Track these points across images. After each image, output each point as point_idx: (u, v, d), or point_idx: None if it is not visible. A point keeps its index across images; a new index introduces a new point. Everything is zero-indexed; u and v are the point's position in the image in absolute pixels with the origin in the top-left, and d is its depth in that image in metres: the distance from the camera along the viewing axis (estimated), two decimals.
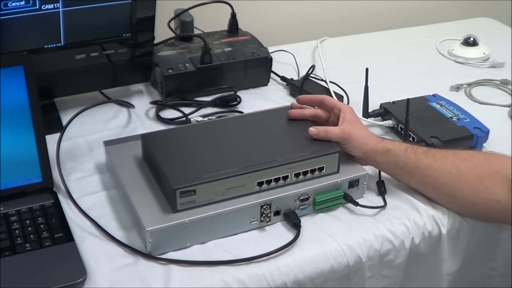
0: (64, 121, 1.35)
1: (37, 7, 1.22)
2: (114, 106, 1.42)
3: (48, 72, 1.29)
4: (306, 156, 1.12)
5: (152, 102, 1.42)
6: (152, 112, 1.41)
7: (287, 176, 1.11)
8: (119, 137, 1.26)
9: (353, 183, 1.16)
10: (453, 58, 1.74)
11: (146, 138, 1.15)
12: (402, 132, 1.32)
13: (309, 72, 1.53)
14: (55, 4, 1.23)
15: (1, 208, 1.09)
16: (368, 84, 1.37)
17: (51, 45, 1.29)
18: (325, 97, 1.23)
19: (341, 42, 1.82)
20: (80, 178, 1.20)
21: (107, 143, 1.21)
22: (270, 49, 1.58)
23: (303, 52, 1.70)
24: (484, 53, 1.72)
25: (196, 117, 1.38)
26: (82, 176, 1.21)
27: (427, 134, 1.30)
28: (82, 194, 1.16)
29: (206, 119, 1.38)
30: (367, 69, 1.35)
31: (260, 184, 1.09)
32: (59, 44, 1.29)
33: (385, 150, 1.16)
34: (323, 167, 1.14)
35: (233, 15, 1.57)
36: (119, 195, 1.15)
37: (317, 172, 1.13)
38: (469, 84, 1.59)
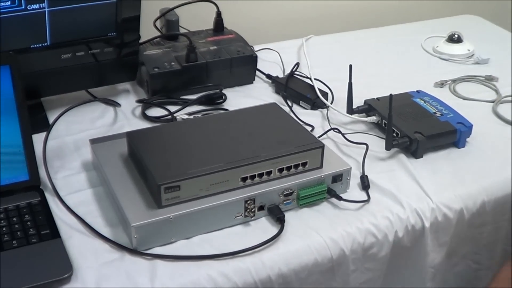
0: (51, 120, 1.36)
1: (23, 7, 1.23)
2: (100, 105, 1.44)
3: (35, 71, 1.30)
4: (290, 151, 1.13)
5: (138, 101, 1.43)
6: (139, 110, 1.42)
7: (271, 171, 1.12)
8: (104, 136, 1.27)
9: (337, 178, 1.17)
10: (437, 55, 1.76)
11: (131, 136, 1.17)
12: (386, 127, 1.34)
13: (294, 69, 1.55)
14: (41, 4, 1.24)
15: None
16: (353, 81, 1.39)
17: (37, 45, 1.30)
18: None
19: (326, 40, 1.84)
20: (67, 176, 1.21)
21: (93, 141, 1.23)
22: (256, 48, 1.60)
23: (288, 50, 1.72)
24: (469, 50, 1.74)
25: (181, 115, 1.39)
26: (69, 174, 1.22)
27: (411, 129, 1.32)
28: (69, 192, 1.17)
29: (191, 117, 1.39)
30: (350, 66, 1.36)
31: (244, 179, 1.10)
32: (45, 44, 1.30)
33: None
34: (306, 162, 1.15)
35: (219, 14, 1.59)
36: (106, 193, 1.16)
37: (300, 167, 1.15)
38: (454, 81, 1.60)
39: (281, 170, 1.13)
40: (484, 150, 1.34)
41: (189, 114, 1.40)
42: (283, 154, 1.12)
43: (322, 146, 1.16)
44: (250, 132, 1.19)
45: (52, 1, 1.25)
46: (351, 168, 1.19)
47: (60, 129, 1.34)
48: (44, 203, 1.12)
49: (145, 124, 1.38)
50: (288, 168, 1.14)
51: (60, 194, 1.15)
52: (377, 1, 2.05)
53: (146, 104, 1.42)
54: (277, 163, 1.12)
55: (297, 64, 1.55)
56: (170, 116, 1.38)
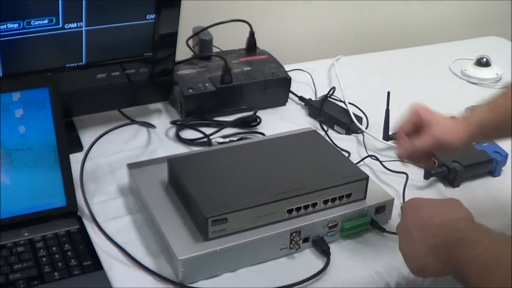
0: (84, 140, 1.34)
1: (60, 25, 1.20)
2: (133, 125, 1.41)
3: (69, 91, 1.27)
4: (335, 183, 1.11)
5: (172, 122, 1.40)
6: (172, 132, 1.40)
7: (316, 203, 1.10)
8: (142, 160, 1.25)
9: (380, 209, 1.15)
10: (466, 78, 1.74)
11: (172, 162, 1.14)
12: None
13: (329, 94, 1.52)
14: (78, 23, 1.21)
15: (26, 234, 1.06)
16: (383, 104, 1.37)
17: (73, 64, 1.27)
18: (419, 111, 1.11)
19: (356, 61, 1.82)
20: (103, 201, 1.19)
21: (131, 166, 1.20)
22: (286, 68, 1.57)
23: (319, 71, 1.70)
24: (497, 74, 1.73)
25: (217, 138, 1.36)
26: (105, 199, 1.19)
27: (448, 158, 1.30)
28: (107, 219, 1.14)
29: (227, 139, 1.37)
30: (388, 93, 1.35)
31: (290, 211, 1.08)
32: (81, 63, 1.27)
33: (478, 129, 1.07)
34: (351, 193, 1.13)
35: (252, 34, 1.56)
36: (145, 220, 1.14)
37: (345, 199, 1.13)
38: None
39: (326, 202, 1.11)
40: None
41: (224, 136, 1.38)
42: (329, 186, 1.10)
43: (366, 178, 1.14)
44: (292, 161, 1.17)
45: (90, 20, 1.22)
46: (393, 199, 1.17)
47: (93, 151, 1.30)
48: (83, 231, 1.09)
49: (179, 146, 1.36)
50: (333, 200, 1.11)
51: (98, 220, 1.12)
52: (404, 19, 2.03)
53: (180, 125, 1.39)
54: (323, 194, 1.10)
55: (333, 88, 1.53)
56: (205, 139, 1.36)
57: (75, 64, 1.27)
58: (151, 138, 1.38)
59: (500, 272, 0.79)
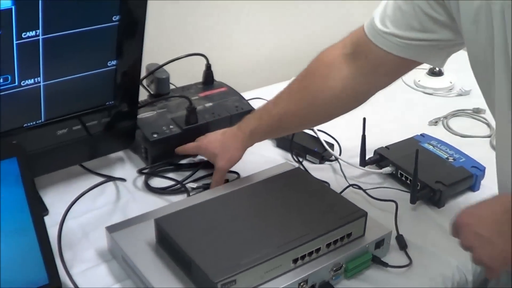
0: (47, 201, 1.23)
1: (16, 83, 1.10)
2: (96, 178, 1.31)
3: (28, 152, 1.16)
4: (337, 225, 1.06)
5: (140, 172, 1.31)
6: (140, 181, 1.31)
7: (320, 248, 1.05)
8: (115, 217, 1.18)
9: (379, 244, 1.12)
10: (421, 89, 1.74)
11: (161, 223, 1.06)
12: (402, 177, 1.31)
13: None
14: (36, 79, 1.11)
15: None
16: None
17: (31, 123, 1.16)
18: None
19: None
20: (85, 270, 1.09)
21: (111, 230, 1.11)
22: (245, 97, 1.51)
23: None
24: (451, 82, 1.73)
25: (190, 183, 1.29)
26: (87, 267, 1.10)
27: (430, 179, 1.28)
28: None
29: (200, 183, 1.29)
30: (364, 119, 1.31)
31: (295, 260, 1.02)
32: (40, 121, 1.17)
33: (249, 137, 1.25)
34: (351, 233, 1.08)
35: (208, 67, 1.49)
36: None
37: (345, 239, 1.08)
38: (445, 117, 1.59)
39: (328, 245, 1.06)
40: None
41: (196, 180, 1.31)
42: (331, 229, 1.05)
43: (365, 215, 1.10)
44: (286, 205, 1.11)
45: (49, 73, 1.12)
46: (391, 231, 1.14)
47: (60, 213, 1.20)
48: None
49: (151, 197, 1.27)
50: (335, 242, 1.07)
51: None
52: None
53: (148, 174, 1.30)
54: (326, 239, 1.05)
55: None
56: (178, 185, 1.28)
57: (34, 123, 1.17)
58: (120, 192, 1.29)
59: None
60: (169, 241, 1.03)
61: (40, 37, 1.05)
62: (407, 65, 1.10)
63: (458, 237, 0.96)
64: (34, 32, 1.04)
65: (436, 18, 1.00)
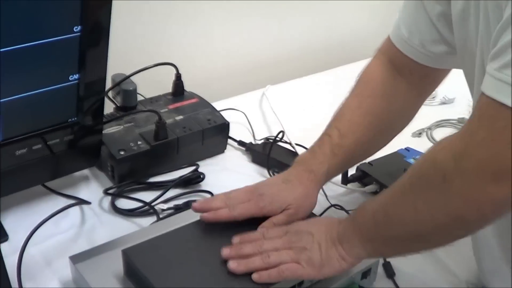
0: (7, 226, 1.14)
1: None
2: (60, 199, 1.22)
3: None
4: None
5: (106, 192, 1.22)
6: (107, 202, 1.22)
7: (303, 281, 0.97)
8: (80, 244, 1.09)
9: (366, 273, 1.04)
10: None
11: (129, 254, 0.97)
12: None
13: (279, 138, 1.37)
14: None
15: None
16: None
17: None
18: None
19: (284, 89, 1.70)
20: None
21: (75, 260, 1.01)
22: (217, 107, 1.42)
23: (250, 106, 1.57)
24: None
25: (160, 204, 1.20)
26: None
27: None
28: None
29: (171, 205, 1.21)
30: None
31: None
32: None
33: (325, 177, 1.08)
34: None
35: (178, 77, 1.40)
36: None
37: None
38: (429, 128, 1.52)
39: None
40: None
41: (167, 200, 1.22)
42: None
43: None
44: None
45: (5, 90, 1.02)
46: (378, 260, 1.06)
47: (19, 238, 1.10)
48: None
49: (119, 219, 1.18)
50: None
51: None
52: (327, 39, 1.93)
53: (115, 195, 1.21)
54: None
55: (282, 133, 1.38)
56: (147, 207, 1.19)
57: None
58: (85, 214, 1.19)
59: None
60: (137, 274, 0.95)
61: None
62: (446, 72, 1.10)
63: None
64: None
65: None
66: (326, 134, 1.08)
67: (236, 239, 0.97)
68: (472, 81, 0.92)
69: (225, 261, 0.95)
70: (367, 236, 0.89)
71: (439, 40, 1.00)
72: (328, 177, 1.08)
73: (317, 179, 1.05)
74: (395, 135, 1.15)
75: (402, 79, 1.09)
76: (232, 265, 0.92)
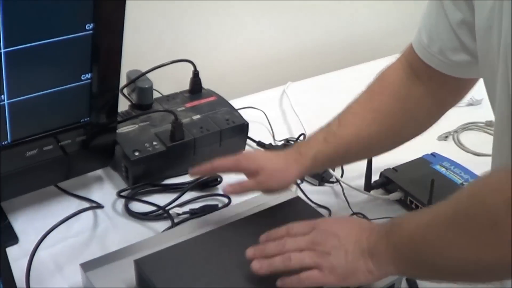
0: (17, 228, 1.11)
1: None
2: (73, 201, 1.18)
3: None
4: None
5: (120, 194, 1.18)
6: (120, 204, 1.18)
7: None
8: (93, 248, 1.06)
9: None
10: None
11: (142, 265, 0.92)
12: (412, 205, 1.18)
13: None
14: None
15: None
16: None
17: None
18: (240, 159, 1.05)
19: (305, 86, 1.64)
20: None
21: (86, 268, 0.97)
22: (235, 105, 1.37)
23: (270, 105, 1.51)
24: None
25: (175, 208, 1.16)
26: None
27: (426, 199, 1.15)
28: None
29: (187, 209, 1.16)
30: None
31: None
32: (6, 142, 1.03)
33: (312, 162, 1.04)
34: None
35: (196, 74, 1.35)
36: None
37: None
38: (456, 131, 1.46)
39: None
40: None
41: (182, 204, 1.18)
42: None
43: None
44: None
45: (14, 90, 0.98)
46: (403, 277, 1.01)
47: (30, 240, 1.07)
48: None
49: (132, 223, 1.14)
50: None
51: None
52: (352, 36, 1.87)
53: (128, 198, 1.17)
54: None
55: (304, 136, 1.33)
56: (161, 211, 1.15)
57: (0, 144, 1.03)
58: (98, 217, 1.15)
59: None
60: (150, 286, 0.91)
61: (2, 51, 0.92)
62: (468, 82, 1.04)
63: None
64: None
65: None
66: (328, 123, 1.08)
67: (262, 237, 0.94)
68: (493, 95, 0.87)
69: (241, 273, 0.91)
70: (400, 257, 0.84)
71: (460, 48, 0.95)
72: (316, 162, 1.04)
73: (301, 161, 1.04)
74: (407, 140, 1.10)
75: (420, 83, 1.04)
76: (255, 266, 0.89)
